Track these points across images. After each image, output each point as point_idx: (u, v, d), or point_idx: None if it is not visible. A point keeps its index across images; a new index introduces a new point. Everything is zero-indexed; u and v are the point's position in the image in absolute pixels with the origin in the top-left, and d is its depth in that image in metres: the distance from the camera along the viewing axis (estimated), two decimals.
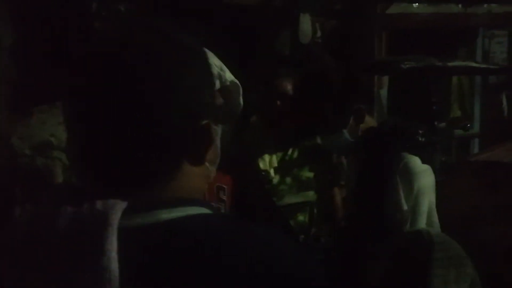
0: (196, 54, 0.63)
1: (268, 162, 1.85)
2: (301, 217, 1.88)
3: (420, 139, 1.60)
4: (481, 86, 5.26)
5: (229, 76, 1.45)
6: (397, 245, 1.34)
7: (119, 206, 0.52)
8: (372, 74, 2.68)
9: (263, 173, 1.84)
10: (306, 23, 3.06)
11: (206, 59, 0.66)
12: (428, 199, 1.48)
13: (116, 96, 0.55)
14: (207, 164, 0.62)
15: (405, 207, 1.43)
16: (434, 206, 1.49)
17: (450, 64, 2.49)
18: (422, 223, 1.46)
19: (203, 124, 0.59)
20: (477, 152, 4.12)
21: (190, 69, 0.60)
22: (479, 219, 1.66)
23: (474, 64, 2.95)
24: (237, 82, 1.49)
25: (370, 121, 1.59)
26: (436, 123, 2.00)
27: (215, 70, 1.39)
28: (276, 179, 1.86)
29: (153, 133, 0.56)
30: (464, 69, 2.83)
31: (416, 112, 1.81)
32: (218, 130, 0.64)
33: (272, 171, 1.86)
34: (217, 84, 1.46)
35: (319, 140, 1.87)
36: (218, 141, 0.65)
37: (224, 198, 1.50)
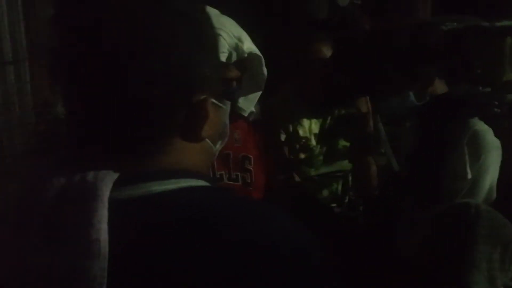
0: (194, 23, 0.58)
1: (308, 129, 1.82)
2: (336, 186, 1.87)
3: (495, 110, 1.52)
4: None
5: (248, 47, 1.43)
6: (441, 214, 1.30)
7: (110, 178, 0.52)
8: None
9: (303, 140, 1.81)
10: None
11: (207, 27, 0.61)
12: (492, 175, 1.42)
13: (101, 63, 0.53)
14: (207, 140, 0.60)
15: (469, 176, 1.39)
16: (495, 184, 1.44)
17: (498, 24, 2.32)
18: (480, 198, 1.42)
19: (198, 99, 0.57)
20: None
21: (183, 39, 0.56)
22: None
23: None
24: (258, 53, 1.45)
25: (440, 86, 1.52)
26: (480, 88, 1.89)
27: (232, 41, 1.36)
28: (317, 148, 1.84)
29: (138, 105, 0.53)
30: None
31: (458, 76, 1.72)
32: (220, 106, 0.61)
33: (313, 139, 1.84)
34: (234, 56, 1.44)
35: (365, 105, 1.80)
36: (219, 117, 0.62)
37: (250, 167, 1.50)
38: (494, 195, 1.42)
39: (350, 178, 1.89)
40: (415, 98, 1.50)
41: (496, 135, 1.40)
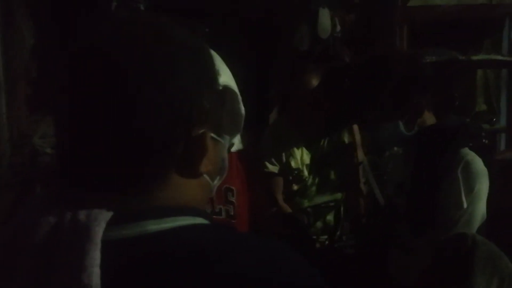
0: (195, 53, 0.57)
1: (299, 160, 1.82)
2: (329, 217, 1.85)
3: (484, 140, 1.55)
4: (507, 79, 5.11)
5: (224, 80, 1.42)
6: (440, 245, 1.28)
7: (103, 217, 0.49)
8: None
9: (295, 171, 1.80)
10: (325, 17, 3.01)
11: (206, 58, 0.60)
12: (483, 203, 1.44)
13: (99, 94, 0.51)
14: (205, 176, 0.58)
15: (465, 205, 1.40)
16: (485, 211, 1.45)
17: (474, 58, 2.41)
18: (475, 226, 1.43)
19: (197, 133, 0.54)
20: (504, 149, 4.00)
21: (184, 70, 0.54)
22: (506, 220, 1.61)
23: (499, 57, 2.85)
24: (233, 88, 1.44)
25: (428, 116, 1.54)
26: (467, 120, 1.95)
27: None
28: (309, 179, 1.83)
29: (135, 138, 0.51)
30: (489, 62, 2.73)
31: (444, 108, 1.76)
32: (219, 140, 0.59)
33: (305, 170, 1.82)
34: None
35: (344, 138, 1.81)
36: (218, 152, 0.60)
37: (233, 200, 1.48)
38: (483, 220, 1.43)
39: (342, 208, 1.88)
40: (404, 129, 1.52)
41: (484, 164, 1.43)
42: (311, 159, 1.82)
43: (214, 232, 0.55)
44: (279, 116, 1.92)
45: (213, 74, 0.61)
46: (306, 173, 1.80)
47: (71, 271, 0.47)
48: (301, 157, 1.80)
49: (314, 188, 1.81)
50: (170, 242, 0.50)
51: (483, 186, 1.42)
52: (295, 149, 1.80)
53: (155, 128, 0.51)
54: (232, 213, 1.47)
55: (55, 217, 0.50)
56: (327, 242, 1.78)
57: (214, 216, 1.45)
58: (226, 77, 1.38)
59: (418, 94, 1.49)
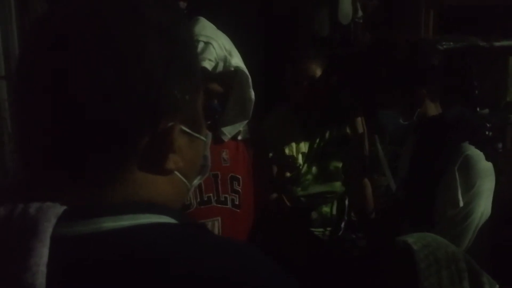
0: (169, 36, 0.51)
1: (294, 148, 1.78)
2: (326, 209, 1.81)
3: (487, 133, 1.48)
4: None
5: (236, 62, 1.38)
6: (384, 263, 1.26)
7: (54, 212, 0.45)
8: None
9: (290, 159, 1.77)
10: (346, 2, 2.92)
11: (184, 43, 0.54)
12: (485, 201, 1.37)
13: (51, 73, 0.47)
14: (177, 174, 0.53)
15: (461, 203, 1.34)
16: (489, 209, 1.39)
17: (497, 44, 2.28)
18: (473, 226, 1.37)
19: (164, 127, 0.50)
20: None
21: (152, 54, 0.48)
22: None
23: None
24: (246, 71, 1.40)
25: (431, 107, 1.47)
26: (478, 109, 1.85)
27: (222, 52, 1.32)
28: (304, 167, 1.80)
29: (93, 125, 0.47)
30: (511, 48, 2.58)
31: (457, 97, 1.68)
32: (197, 137, 0.55)
33: (300, 158, 1.79)
34: (220, 67, 1.40)
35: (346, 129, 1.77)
36: (195, 149, 0.55)
37: (239, 188, 1.45)
38: (487, 217, 1.37)
39: (346, 201, 1.83)
40: (402, 118, 1.45)
41: (488, 159, 1.35)
42: (309, 148, 1.77)
43: (177, 233, 0.50)
44: (279, 104, 1.87)
45: (191, 64, 0.54)
46: (300, 161, 1.76)
47: (14, 270, 0.44)
48: (297, 145, 1.76)
49: (309, 177, 1.77)
50: (126, 242, 0.47)
51: (485, 183, 1.34)
52: (292, 137, 1.75)
53: (113, 116, 0.47)
54: (237, 202, 1.45)
55: (6, 209, 0.46)
56: (326, 234, 1.74)
57: (219, 205, 1.43)
58: (237, 60, 1.36)
59: (417, 84, 1.42)
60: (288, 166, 1.77)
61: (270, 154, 1.76)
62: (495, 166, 1.41)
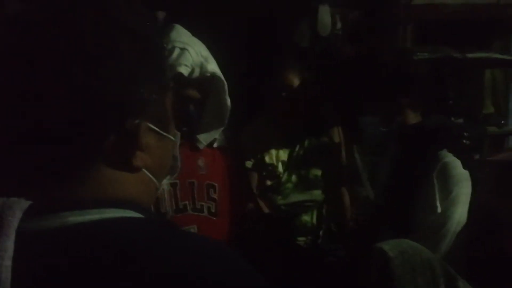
0: (139, 39, 0.52)
1: (274, 156, 1.78)
2: (306, 218, 1.80)
3: (465, 141, 1.50)
4: None
5: (212, 68, 1.38)
6: (361, 269, 1.26)
7: (19, 206, 0.45)
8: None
9: (269, 167, 1.77)
10: (325, 14, 2.96)
11: (153, 47, 0.55)
12: (462, 206, 1.39)
13: (21, 66, 0.47)
14: (145, 171, 0.53)
15: (439, 209, 1.36)
16: (465, 215, 1.41)
17: (470, 55, 2.34)
18: (450, 231, 1.38)
19: (131, 124, 0.50)
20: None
21: (118, 52, 0.49)
22: (497, 223, 1.55)
23: (497, 56, 2.76)
24: (222, 77, 1.40)
25: (411, 115, 1.49)
26: (452, 118, 1.89)
27: (198, 59, 1.32)
28: (284, 175, 1.79)
29: (58, 122, 0.47)
30: (486, 61, 2.65)
31: (432, 107, 1.71)
32: (164, 135, 0.55)
33: (280, 166, 1.79)
34: (196, 73, 1.40)
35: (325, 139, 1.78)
36: (163, 149, 0.55)
37: (215, 196, 1.44)
38: (463, 223, 1.38)
39: (324, 210, 1.83)
40: (382, 125, 1.47)
41: (465, 167, 1.38)
42: (289, 156, 1.77)
43: (144, 227, 0.50)
44: (259, 113, 1.87)
45: (159, 64, 0.55)
46: (280, 169, 1.75)
47: None
48: (276, 153, 1.76)
49: (289, 185, 1.77)
50: (92, 235, 0.46)
51: (462, 190, 1.37)
52: (272, 145, 1.76)
53: (79, 113, 0.47)
54: (213, 210, 1.44)
55: None
56: (305, 243, 1.73)
57: (195, 213, 1.41)
58: (214, 66, 1.35)
59: (398, 93, 1.44)
60: (269, 175, 1.76)
61: (250, 162, 1.75)
62: (471, 174, 1.43)
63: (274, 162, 1.77)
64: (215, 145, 1.48)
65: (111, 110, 0.48)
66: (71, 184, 0.49)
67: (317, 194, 1.80)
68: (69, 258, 0.45)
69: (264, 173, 1.77)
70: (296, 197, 1.78)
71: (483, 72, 4.68)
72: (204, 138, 1.41)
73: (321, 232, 1.83)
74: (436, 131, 1.43)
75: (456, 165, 1.37)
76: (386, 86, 1.45)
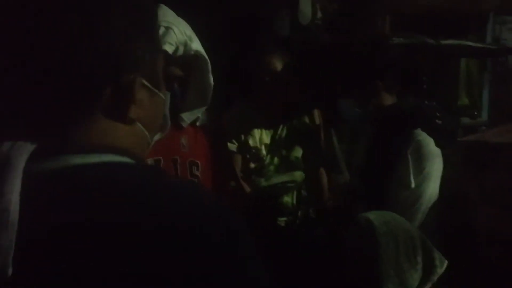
0: (131, 4, 0.57)
1: (258, 139, 1.83)
2: (287, 198, 1.86)
3: (437, 121, 1.58)
4: (490, 74, 5.15)
5: (196, 47, 1.42)
6: (343, 236, 1.32)
7: (26, 148, 0.50)
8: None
9: (253, 150, 1.81)
10: (306, 4, 3.01)
11: (146, 8, 0.60)
12: (434, 182, 1.46)
13: (25, 29, 0.51)
14: (138, 124, 0.58)
15: (413, 185, 1.43)
16: (437, 191, 1.48)
17: (443, 42, 2.42)
18: (423, 206, 1.45)
19: (126, 79, 0.55)
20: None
21: (116, 12, 0.54)
22: (465, 199, 1.63)
23: (469, 43, 2.86)
24: (205, 55, 1.44)
25: (387, 97, 1.56)
26: (426, 102, 1.97)
27: (182, 37, 1.35)
28: (267, 158, 1.84)
29: (60, 76, 0.52)
30: (459, 48, 2.75)
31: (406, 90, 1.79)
32: (155, 92, 0.60)
33: (263, 149, 1.84)
34: (180, 51, 1.43)
35: (307, 119, 1.84)
36: (154, 105, 0.60)
37: (197, 173, 1.47)
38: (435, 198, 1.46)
39: (302, 190, 1.89)
40: (358, 107, 1.54)
41: (437, 145, 1.45)
42: (271, 139, 1.83)
43: (138, 171, 0.56)
44: (242, 97, 1.92)
45: (152, 26, 0.60)
46: (264, 152, 1.81)
47: None
48: (260, 136, 1.81)
49: (272, 168, 1.82)
50: (93, 176, 0.51)
51: (434, 167, 1.45)
52: (255, 129, 1.80)
53: (78, 67, 0.52)
54: None
55: None
56: (285, 223, 1.79)
57: None
58: (197, 45, 1.38)
59: (373, 77, 1.51)
60: (253, 157, 1.81)
61: (234, 145, 1.79)
62: (443, 152, 1.51)
63: (258, 145, 1.82)
64: (198, 123, 1.51)
65: (108, 65, 0.53)
66: (72, 131, 0.54)
67: (298, 175, 1.85)
68: (71, 196, 0.49)
69: (248, 156, 1.81)
70: (278, 179, 1.83)
71: (458, 65, 4.82)
72: (187, 117, 1.45)
73: (299, 213, 1.89)
74: (410, 112, 1.50)
75: (428, 142, 1.45)
76: (362, 69, 1.51)
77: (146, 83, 0.58)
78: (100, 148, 0.54)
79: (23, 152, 0.50)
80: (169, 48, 1.27)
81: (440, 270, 1.28)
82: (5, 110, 0.54)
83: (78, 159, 0.52)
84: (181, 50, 1.31)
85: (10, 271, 0.46)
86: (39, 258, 0.48)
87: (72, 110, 0.53)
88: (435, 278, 1.26)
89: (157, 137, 0.66)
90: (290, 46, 2.71)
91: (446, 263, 1.30)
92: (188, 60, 1.36)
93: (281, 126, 1.85)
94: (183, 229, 0.50)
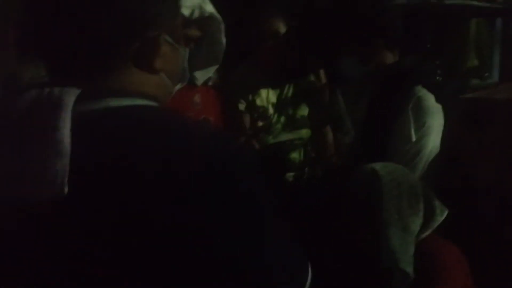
0: None
1: (265, 99, 1.90)
2: (294, 155, 1.94)
3: (437, 78, 1.64)
4: (501, 34, 5.08)
5: (210, 9, 1.51)
6: (347, 186, 1.40)
7: (74, 92, 0.61)
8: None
9: (261, 109, 1.89)
10: None
11: None
12: (434, 137, 1.54)
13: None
14: (162, 74, 0.69)
15: (414, 138, 1.51)
16: (438, 145, 1.55)
17: (446, 2, 2.43)
18: (424, 159, 1.53)
19: (152, 34, 0.65)
20: None
21: None
22: (463, 154, 1.71)
23: (474, 3, 2.84)
24: (218, 17, 1.54)
25: (389, 56, 1.61)
26: (430, 61, 2.02)
27: (196, 1, 1.44)
28: (274, 117, 1.92)
29: (96, 34, 0.63)
30: (461, 8, 2.73)
31: (412, 49, 1.84)
32: (176, 47, 0.70)
33: (270, 108, 1.92)
34: (196, 14, 1.53)
35: (312, 78, 1.90)
36: (176, 58, 0.71)
37: None
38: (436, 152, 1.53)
39: (309, 147, 1.97)
40: (361, 64, 1.60)
41: (437, 101, 1.52)
42: (278, 99, 1.90)
43: (165, 112, 0.68)
44: (249, 59, 1.98)
45: None
46: (271, 111, 1.88)
47: (47, 131, 0.58)
48: (266, 96, 1.88)
49: (279, 126, 1.90)
50: (128, 115, 0.63)
51: (434, 121, 1.51)
52: (262, 89, 1.88)
53: (112, 26, 0.63)
54: None
55: (35, 92, 0.62)
56: (293, 178, 1.88)
57: None
58: (211, 7, 1.46)
59: (375, 35, 1.56)
60: (260, 116, 1.88)
61: (243, 105, 1.87)
62: (444, 109, 1.57)
63: (265, 104, 1.89)
64: (209, 83, 1.60)
65: (135, 23, 0.65)
66: (109, 79, 0.66)
67: (304, 132, 1.93)
68: (110, 132, 0.60)
69: (256, 115, 1.89)
70: (285, 136, 1.91)
71: (468, 26, 4.76)
72: (200, 75, 1.54)
73: (306, 169, 1.98)
74: (410, 69, 1.56)
75: (429, 98, 1.52)
76: (363, 28, 1.57)
77: (168, 39, 0.68)
78: (132, 94, 0.65)
79: (72, 95, 0.60)
80: (186, 11, 1.37)
81: (440, 218, 1.35)
82: (57, 62, 0.66)
83: (115, 102, 0.63)
84: (196, 13, 1.39)
85: (66, 189, 0.57)
86: (91, 181, 0.59)
87: (109, 62, 0.65)
88: (435, 225, 1.34)
89: (178, 86, 0.76)
90: (292, 8, 2.73)
91: (446, 211, 1.38)
92: (202, 21, 1.44)
93: (287, 86, 1.92)
94: (201, 163, 0.60)
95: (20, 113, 0.61)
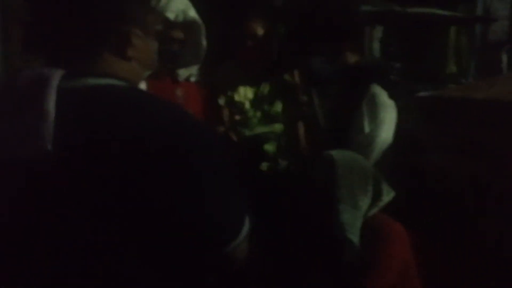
0: None
1: (242, 95, 2.10)
2: (268, 146, 2.14)
3: (392, 77, 1.86)
4: (479, 43, 5.33)
5: (193, 14, 1.73)
6: (310, 169, 1.61)
7: (59, 72, 0.78)
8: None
9: (238, 104, 2.09)
10: None
11: None
12: (386, 129, 1.75)
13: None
14: (133, 62, 0.86)
15: (367, 129, 1.72)
16: (390, 137, 1.76)
17: (409, 10, 2.62)
18: (376, 149, 1.74)
19: (126, 29, 0.83)
20: None
21: None
22: (418, 146, 1.92)
23: (439, 12, 3.04)
24: (200, 21, 1.78)
25: (351, 57, 1.82)
26: (391, 64, 2.22)
27: (181, 6, 1.66)
28: (250, 112, 2.12)
29: (79, 28, 0.81)
30: (424, 16, 2.91)
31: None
32: (146, 39, 0.87)
33: (247, 103, 2.12)
34: (180, 17, 1.74)
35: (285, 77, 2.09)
36: (147, 49, 0.88)
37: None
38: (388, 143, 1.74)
39: (281, 141, 2.16)
40: (327, 63, 1.81)
41: (390, 97, 1.73)
42: (254, 95, 2.11)
43: (136, 91, 0.85)
44: (230, 59, 2.19)
45: None
46: (247, 106, 2.09)
47: (37, 101, 0.75)
48: (244, 92, 2.09)
49: (255, 120, 2.10)
50: (104, 92, 0.79)
51: (387, 115, 1.72)
52: (240, 86, 2.09)
53: (92, 22, 0.81)
54: None
55: (33, 71, 0.80)
56: (266, 167, 2.08)
57: None
58: (194, 13, 1.66)
59: (340, 38, 1.78)
60: (238, 111, 2.09)
61: (222, 100, 2.07)
62: (398, 104, 1.78)
63: (242, 100, 2.10)
64: (192, 79, 1.81)
65: (111, 18, 0.83)
66: (89, 63, 0.83)
67: (277, 127, 2.13)
68: (88, 105, 0.77)
69: (234, 110, 2.09)
70: (261, 129, 2.12)
71: (447, 34, 5.00)
72: (183, 72, 1.75)
73: (279, 160, 2.18)
74: (367, 69, 1.78)
75: (382, 94, 1.73)
76: (330, 32, 1.78)
77: (139, 32, 0.85)
78: (107, 75, 0.82)
79: (58, 74, 0.78)
80: (171, 15, 1.58)
81: (386, 198, 1.57)
82: (47, 48, 0.83)
83: (93, 81, 0.80)
84: (180, 17, 1.61)
85: (50, 146, 0.74)
86: (69, 144, 0.75)
87: (90, 50, 0.82)
88: (381, 204, 1.55)
89: (147, 73, 0.93)
90: (271, 12, 2.95)
91: (392, 193, 1.58)
92: (185, 24, 1.66)
93: (263, 84, 2.13)
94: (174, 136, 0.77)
95: (16, 88, 0.77)
